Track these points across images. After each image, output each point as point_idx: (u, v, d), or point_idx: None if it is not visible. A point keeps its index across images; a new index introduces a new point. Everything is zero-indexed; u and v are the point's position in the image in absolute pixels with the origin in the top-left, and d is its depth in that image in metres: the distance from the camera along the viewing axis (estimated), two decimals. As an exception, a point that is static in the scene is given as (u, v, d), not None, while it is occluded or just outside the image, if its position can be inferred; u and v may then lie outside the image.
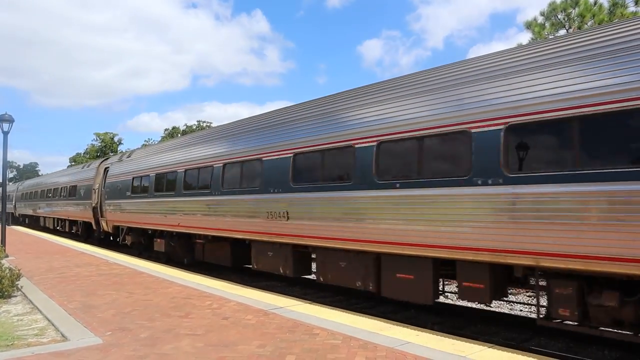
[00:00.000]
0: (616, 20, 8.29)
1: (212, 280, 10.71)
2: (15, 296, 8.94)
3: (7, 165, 16.98)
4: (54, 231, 29.83)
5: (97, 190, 21.06)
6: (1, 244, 15.28)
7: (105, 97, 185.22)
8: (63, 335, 6.21)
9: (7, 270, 9.25)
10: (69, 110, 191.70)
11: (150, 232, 16.31)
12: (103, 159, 24.66)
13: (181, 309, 7.60)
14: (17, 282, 9.22)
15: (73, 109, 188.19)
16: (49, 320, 7.02)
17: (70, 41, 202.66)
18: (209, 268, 14.39)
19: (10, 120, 15.74)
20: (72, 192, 25.24)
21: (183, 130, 61.57)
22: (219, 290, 9.20)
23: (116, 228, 19.17)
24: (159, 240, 15.45)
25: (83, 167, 26.25)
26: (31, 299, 8.50)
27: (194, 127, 60.32)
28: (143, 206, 16.18)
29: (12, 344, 5.83)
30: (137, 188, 16.89)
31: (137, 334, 6.17)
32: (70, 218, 26.11)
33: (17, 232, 29.10)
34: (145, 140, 68.90)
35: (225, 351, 5.43)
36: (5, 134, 15.73)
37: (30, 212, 38.17)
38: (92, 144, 71.06)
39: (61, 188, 27.80)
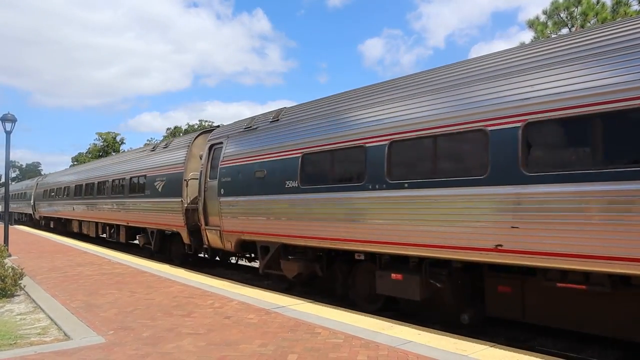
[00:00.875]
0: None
1: (214, 279, 10.73)
2: (18, 295, 8.96)
3: (10, 164, 17.03)
4: (96, 240, 22.63)
5: (195, 183, 13.30)
6: (4, 243, 15.32)
7: (106, 96, 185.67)
8: (66, 334, 6.23)
9: (10, 270, 9.28)
10: (70, 110, 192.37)
11: (360, 256, 8.51)
12: (201, 131, 15.72)
13: (183, 308, 7.61)
14: (19, 281, 9.24)
15: (74, 109, 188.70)
16: (51, 319, 7.04)
17: (71, 41, 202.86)
18: (210, 267, 14.40)
19: (13, 120, 15.78)
20: (137, 187, 17.09)
21: (185, 130, 61.57)
22: (220, 290, 9.22)
23: (243, 244, 11.38)
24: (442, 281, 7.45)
25: (155, 149, 17.38)
26: (34, 298, 8.53)
27: (196, 126, 60.36)
28: (342, 207, 8.44)
29: (15, 343, 5.85)
30: (322, 173, 9.12)
31: (140, 333, 6.19)
32: (132, 224, 17.37)
33: (19, 232, 29.17)
34: (147, 140, 69.07)
35: (227, 350, 5.44)
36: (8, 133, 15.78)
37: (58, 213, 28.80)
38: (94, 144, 71.39)
39: (114, 181, 19.45)
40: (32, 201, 36.61)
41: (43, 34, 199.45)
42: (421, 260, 7.52)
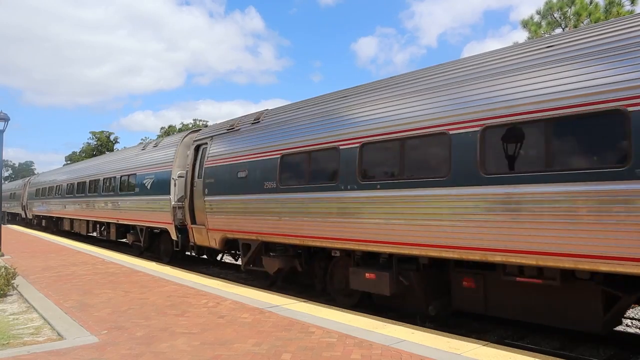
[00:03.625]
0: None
1: (208, 279, 10.72)
2: (11, 295, 8.92)
3: (2, 163, 16.92)
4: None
5: None
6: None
7: (99, 95, 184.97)
8: (59, 334, 6.21)
9: (3, 269, 9.25)
10: (63, 108, 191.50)
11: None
12: None
13: (177, 308, 7.61)
14: (12, 281, 9.20)
15: (67, 108, 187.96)
16: (44, 319, 7.01)
17: (62, 38, 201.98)
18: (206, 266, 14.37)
19: (6, 119, 15.66)
20: None
21: (179, 129, 61.44)
22: (215, 289, 9.21)
23: None
24: None
25: None
26: (27, 298, 8.49)
27: (190, 126, 60.21)
28: None
29: (7, 343, 5.82)
30: None
31: (133, 333, 6.18)
32: None
33: (12, 231, 29.00)
34: (141, 139, 68.86)
35: (221, 349, 5.45)
36: (1, 132, 15.68)
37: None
38: (87, 143, 71.06)
39: None
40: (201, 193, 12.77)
41: (33, 31, 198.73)
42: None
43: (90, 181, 21.59)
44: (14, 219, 43.21)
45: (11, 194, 44.41)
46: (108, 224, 19.26)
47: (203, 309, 7.55)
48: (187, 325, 6.55)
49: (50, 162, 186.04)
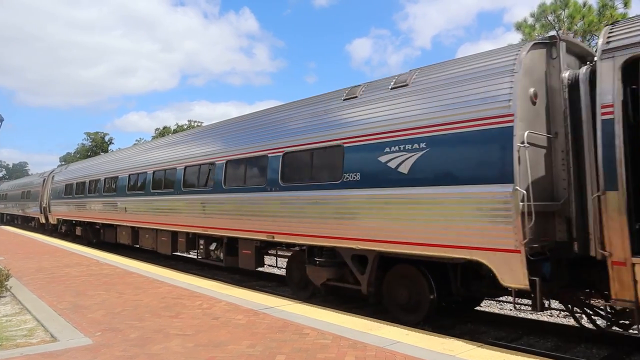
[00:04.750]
0: None
1: (203, 280, 10.69)
2: (4, 297, 8.86)
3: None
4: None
5: None
6: (-10, 244, 15.08)
7: (93, 96, 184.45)
8: (52, 336, 6.18)
9: (-4, 271, 9.19)
10: (56, 109, 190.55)
11: None
12: None
13: (171, 309, 7.58)
14: (6, 283, 9.14)
15: (60, 108, 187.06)
16: (38, 321, 6.97)
17: (56, 38, 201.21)
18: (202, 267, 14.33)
19: (0, 120, 15.57)
20: None
21: (174, 130, 61.32)
22: (209, 290, 9.19)
23: None
24: None
25: None
26: (20, 300, 8.45)
27: (185, 127, 60.09)
28: None
29: (0, 345, 5.79)
30: None
31: (127, 334, 6.16)
32: None
33: (6, 232, 28.83)
34: (136, 140, 68.73)
35: (215, 351, 5.44)
36: (-5, 133, 15.59)
37: None
38: (82, 144, 70.85)
39: None
40: None
41: (27, 31, 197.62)
42: None
43: (187, 168, 13.27)
44: (26, 223, 34.18)
45: (24, 192, 33.83)
46: (234, 240, 11.49)
47: (197, 310, 7.53)
48: (181, 326, 6.53)
49: (44, 163, 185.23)
